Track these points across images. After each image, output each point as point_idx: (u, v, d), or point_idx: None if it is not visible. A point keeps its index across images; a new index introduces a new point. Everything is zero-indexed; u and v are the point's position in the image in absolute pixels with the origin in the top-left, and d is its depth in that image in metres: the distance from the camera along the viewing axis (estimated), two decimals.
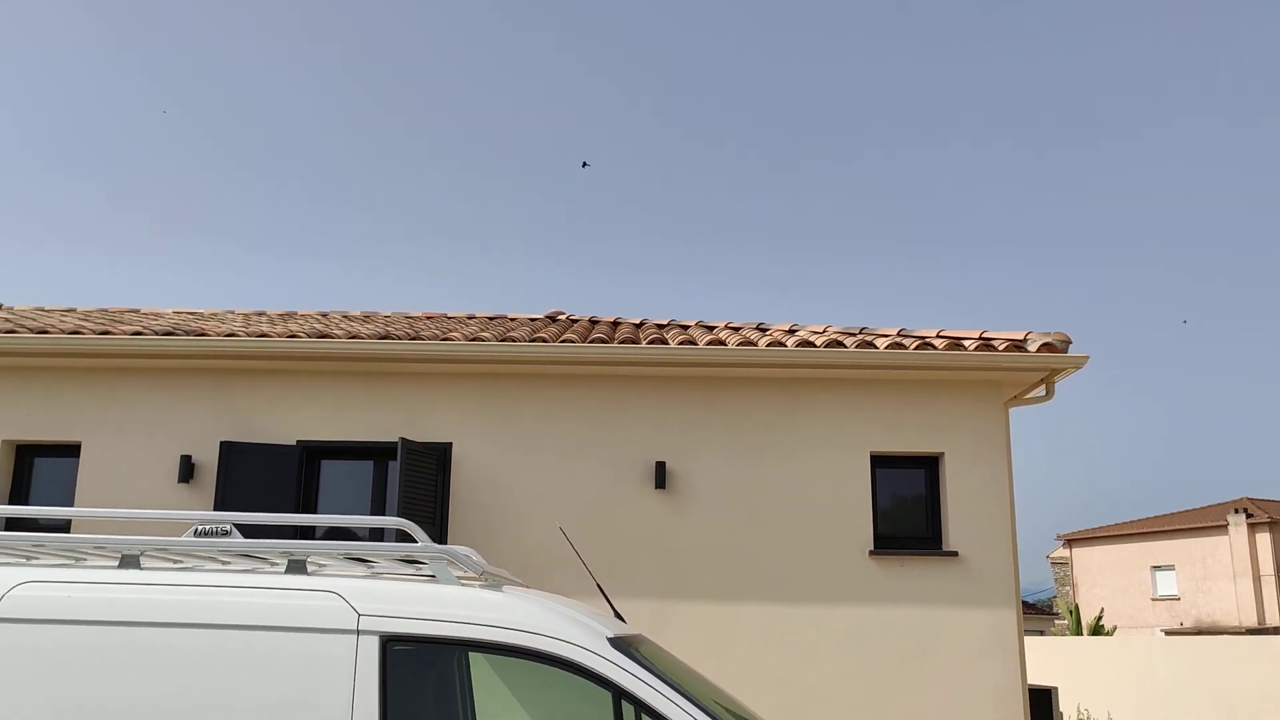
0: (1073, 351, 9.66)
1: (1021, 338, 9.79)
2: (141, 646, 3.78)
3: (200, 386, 10.13)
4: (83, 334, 9.81)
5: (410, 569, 4.31)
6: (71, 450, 10.11)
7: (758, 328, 10.98)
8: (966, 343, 9.81)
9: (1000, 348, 9.67)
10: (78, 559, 4.26)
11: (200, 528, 4.10)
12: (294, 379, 10.15)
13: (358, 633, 3.76)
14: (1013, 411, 10.47)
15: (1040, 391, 10.21)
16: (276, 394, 10.12)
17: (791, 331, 10.59)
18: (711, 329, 11.00)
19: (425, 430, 9.96)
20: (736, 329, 10.91)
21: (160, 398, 10.10)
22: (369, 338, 9.83)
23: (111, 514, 4.21)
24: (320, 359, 9.89)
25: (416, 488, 9.46)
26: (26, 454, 10.23)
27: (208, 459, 9.92)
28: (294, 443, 10.01)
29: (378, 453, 10.14)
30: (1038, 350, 9.59)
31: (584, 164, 35.61)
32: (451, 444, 9.96)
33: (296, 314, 12.38)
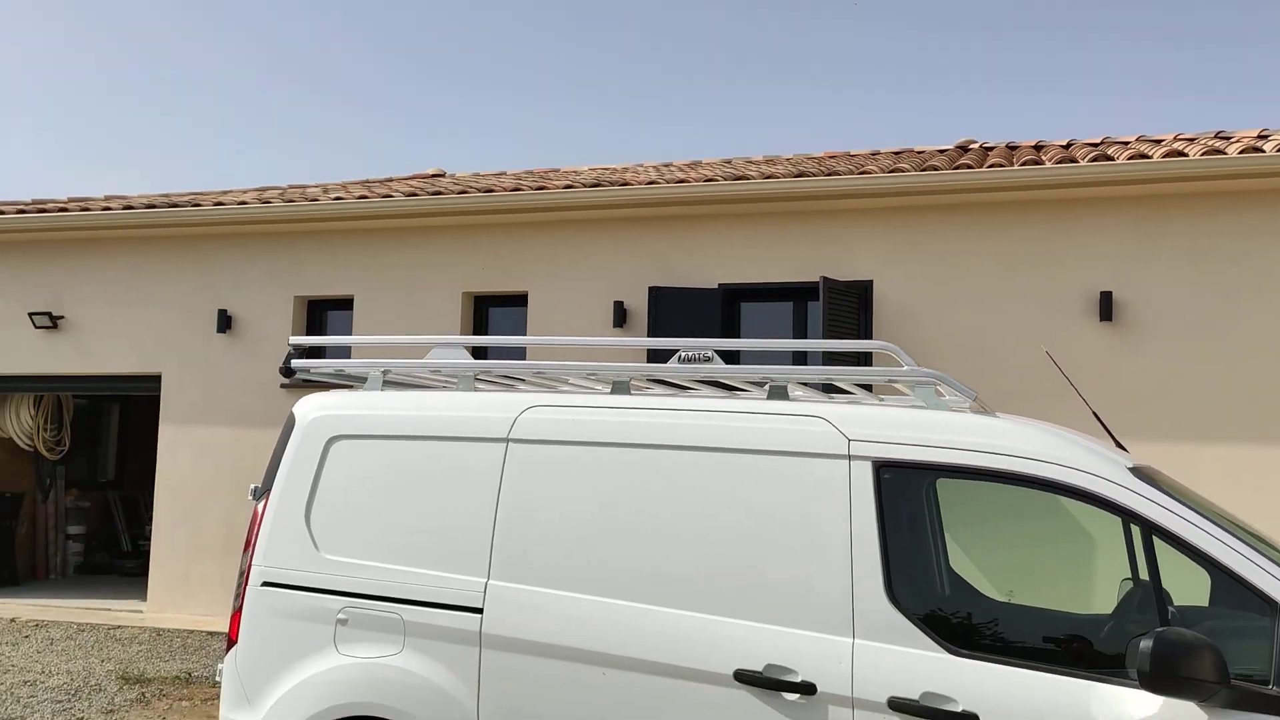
0: None
1: None
2: (637, 466, 3.96)
3: (627, 235, 10.58)
4: (522, 190, 10.52)
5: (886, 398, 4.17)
6: (519, 300, 11.02)
7: (1217, 136, 9.59)
8: None
9: None
10: (573, 387, 4.54)
11: (684, 354, 4.20)
12: (713, 223, 10.32)
13: (849, 458, 3.70)
14: None
15: None
16: (697, 239, 10.35)
17: (1263, 137, 9.14)
18: (1158, 142, 9.76)
19: (844, 269, 9.78)
20: (1190, 139, 9.59)
21: (593, 247, 10.68)
22: (785, 177, 9.71)
23: (601, 342, 4.42)
24: (738, 201, 9.95)
25: (839, 327, 9.36)
26: (483, 304, 11.29)
27: (637, 304, 10.41)
28: (715, 286, 10.24)
29: (797, 293, 10.14)
30: None
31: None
32: (872, 282, 9.72)
33: (701, 163, 12.53)
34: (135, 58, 41.07)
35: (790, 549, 3.69)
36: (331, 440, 4.46)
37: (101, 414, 15.49)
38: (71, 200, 12.20)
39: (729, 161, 12.42)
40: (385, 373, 4.74)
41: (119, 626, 10.67)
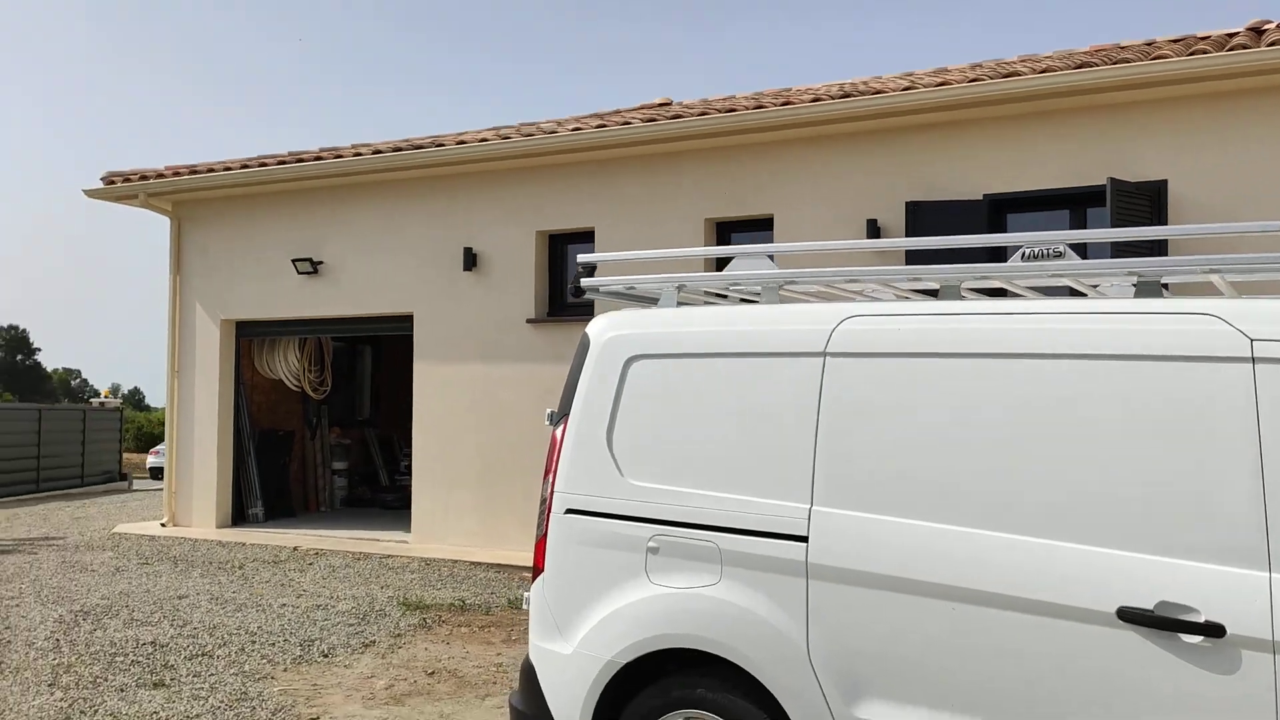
0: None
1: None
2: (982, 379, 3.51)
3: (880, 148, 9.94)
4: (766, 108, 10.03)
5: None
6: (764, 224, 10.60)
7: None
8: None
9: None
10: (897, 294, 4.10)
11: (1028, 250, 3.69)
12: (977, 129, 9.53)
13: (1253, 360, 3.11)
14: None
15: None
16: (959, 147, 9.60)
17: None
18: None
19: (1132, 169, 8.81)
20: None
21: (842, 164, 10.11)
22: (1064, 70, 8.80)
23: (921, 243, 3.96)
24: (1008, 101, 9.12)
25: None
26: (725, 231, 10.93)
27: (892, 221, 9.79)
28: (980, 197, 9.48)
29: (1075, 200, 9.24)
30: None
31: None
32: (1166, 182, 8.71)
33: (948, 69, 11.61)
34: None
35: (1182, 471, 3.16)
36: (630, 361, 4.22)
37: (356, 355, 16.23)
38: (324, 150, 12.62)
39: (978, 65, 11.46)
40: (680, 288, 4.45)
41: (389, 556, 11.12)
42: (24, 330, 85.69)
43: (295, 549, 11.54)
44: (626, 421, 4.17)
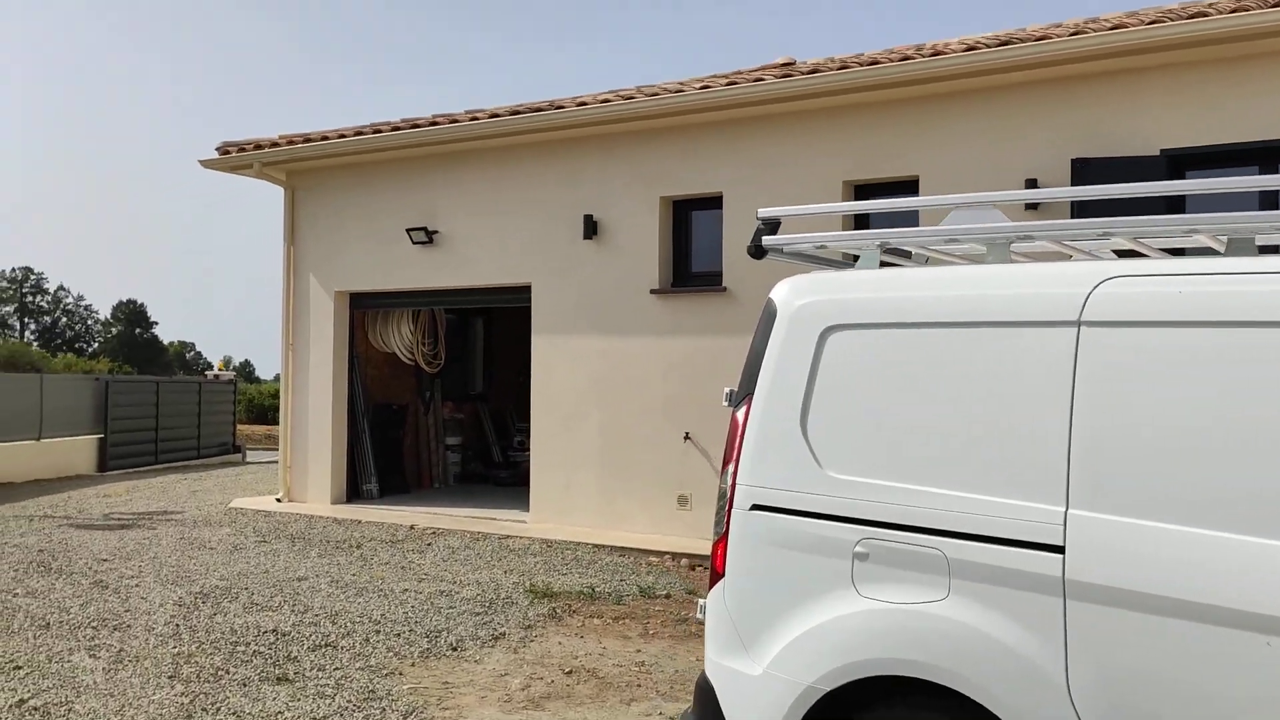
0: None
1: None
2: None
3: (1040, 102, 9.07)
4: (911, 59, 9.22)
5: None
6: (908, 186, 9.79)
7: None
8: None
9: None
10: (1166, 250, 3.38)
11: None
12: (1153, 78, 8.59)
13: None
14: None
15: None
16: (1133, 98, 8.67)
17: None
18: None
19: None
20: None
21: (997, 120, 9.25)
22: (1258, 8, 7.80)
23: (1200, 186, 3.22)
24: (1194, 44, 8.16)
25: None
26: (865, 194, 10.17)
27: (1054, 180, 8.90)
28: (1157, 152, 8.54)
29: (1270, 155, 8.24)
30: None
31: None
32: None
33: (1100, 18, 10.58)
34: None
35: None
36: (827, 332, 3.57)
37: (468, 328, 15.88)
38: (438, 116, 12.19)
39: (1134, 14, 10.42)
40: (882, 246, 3.78)
41: (508, 537, 10.71)
42: (141, 304, 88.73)
43: (412, 528, 11.22)
44: (824, 404, 3.53)
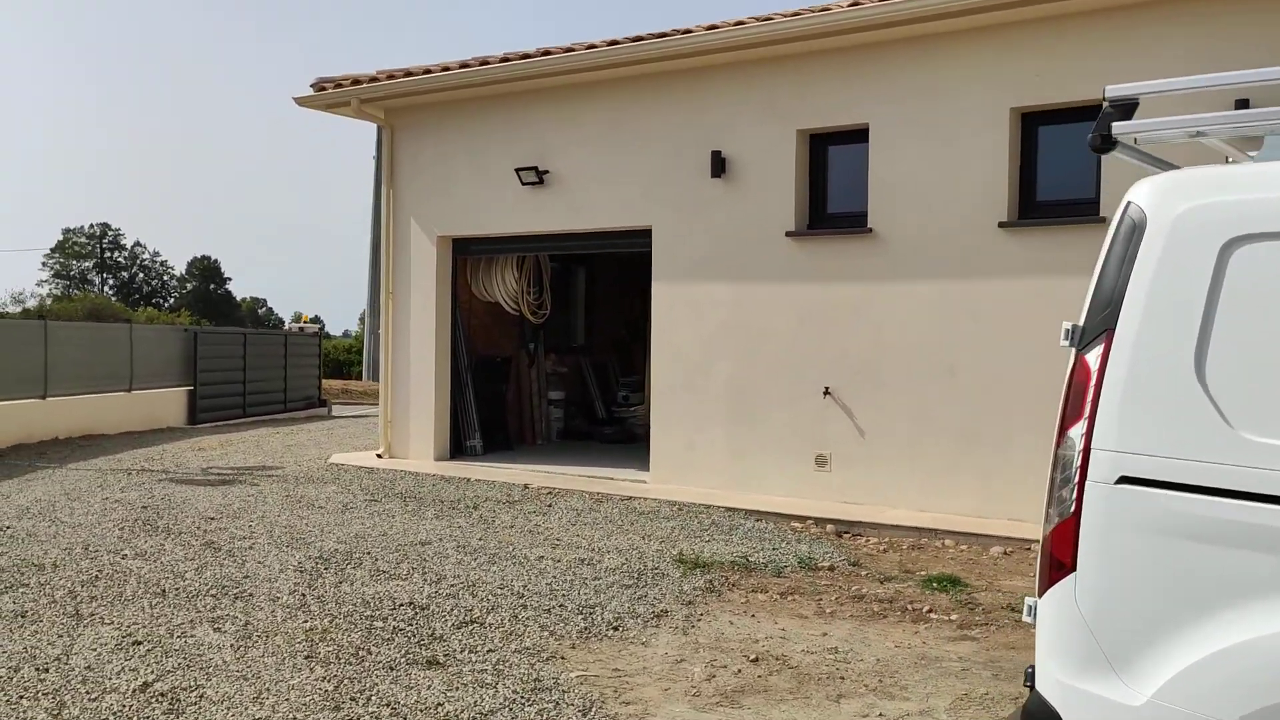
0: None
1: None
2: None
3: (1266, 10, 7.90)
4: None
5: None
6: (1086, 112, 8.70)
7: None
8: None
9: None
10: None
11: None
12: None
13: None
14: None
15: None
16: None
17: None
18: None
19: None
20: None
21: (1206, 29, 8.11)
22: None
23: None
24: None
25: None
26: (1033, 122, 9.10)
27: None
28: None
29: None
30: None
31: None
32: None
33: None
34: None
35: None
36: (1231, 245, 2.65)
37: (570, 277, 15.08)
38: (549, 47, 11.30)
39: None
40: None
41: (630, 498, 9.94)
42: (215, 260, 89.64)
43: (526, 487, 10.50)
44: (1232, 341, 2.62)
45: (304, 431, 17.00)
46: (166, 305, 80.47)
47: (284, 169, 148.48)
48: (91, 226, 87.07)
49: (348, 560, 7.25)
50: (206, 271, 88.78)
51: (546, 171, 11.40)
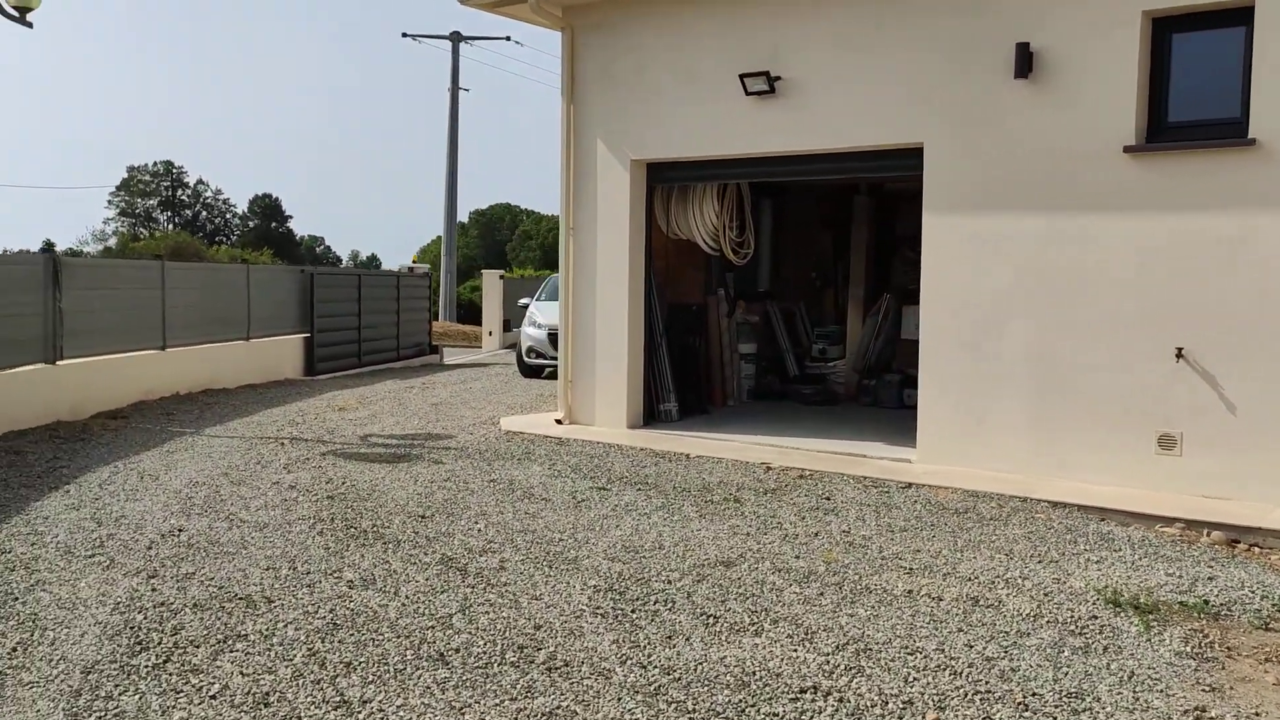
0: None
1: None
2: None
3: None
4: None
5: None
6: (1239, 16, 6.38)
7: None
8: None
9: None
10: None
11: None
12: None
13: None
14: None
15: None
16: None
17: None
18: None
19: None
20: None
21: None
22: None
23: None
24: None
25: None
26: (1164, 28, 6.84)
27: None
28: None
29: None
30: None
31: None
32: None
33: None
34: None
35: None
36: None
37: (757, 211, 12.94)
38: None
39: None
40: None
41: (912, 484, 7.93)
42: (276, 198, 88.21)
43: (768, 468, 8.53)
44: None
45: (436, 385, 15.15)
46: (230, 243, 79.34)
47: (345, 103, 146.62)
48: (155, 164, 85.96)
49: (647, 593, 5.33)
50: (268, 209, 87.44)
51: (779, 78, 9.25)
